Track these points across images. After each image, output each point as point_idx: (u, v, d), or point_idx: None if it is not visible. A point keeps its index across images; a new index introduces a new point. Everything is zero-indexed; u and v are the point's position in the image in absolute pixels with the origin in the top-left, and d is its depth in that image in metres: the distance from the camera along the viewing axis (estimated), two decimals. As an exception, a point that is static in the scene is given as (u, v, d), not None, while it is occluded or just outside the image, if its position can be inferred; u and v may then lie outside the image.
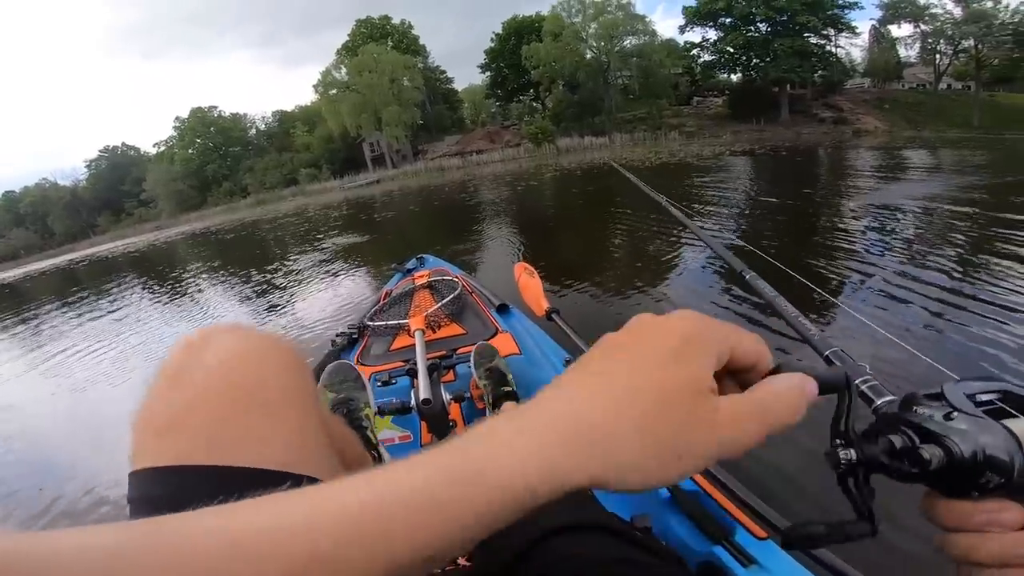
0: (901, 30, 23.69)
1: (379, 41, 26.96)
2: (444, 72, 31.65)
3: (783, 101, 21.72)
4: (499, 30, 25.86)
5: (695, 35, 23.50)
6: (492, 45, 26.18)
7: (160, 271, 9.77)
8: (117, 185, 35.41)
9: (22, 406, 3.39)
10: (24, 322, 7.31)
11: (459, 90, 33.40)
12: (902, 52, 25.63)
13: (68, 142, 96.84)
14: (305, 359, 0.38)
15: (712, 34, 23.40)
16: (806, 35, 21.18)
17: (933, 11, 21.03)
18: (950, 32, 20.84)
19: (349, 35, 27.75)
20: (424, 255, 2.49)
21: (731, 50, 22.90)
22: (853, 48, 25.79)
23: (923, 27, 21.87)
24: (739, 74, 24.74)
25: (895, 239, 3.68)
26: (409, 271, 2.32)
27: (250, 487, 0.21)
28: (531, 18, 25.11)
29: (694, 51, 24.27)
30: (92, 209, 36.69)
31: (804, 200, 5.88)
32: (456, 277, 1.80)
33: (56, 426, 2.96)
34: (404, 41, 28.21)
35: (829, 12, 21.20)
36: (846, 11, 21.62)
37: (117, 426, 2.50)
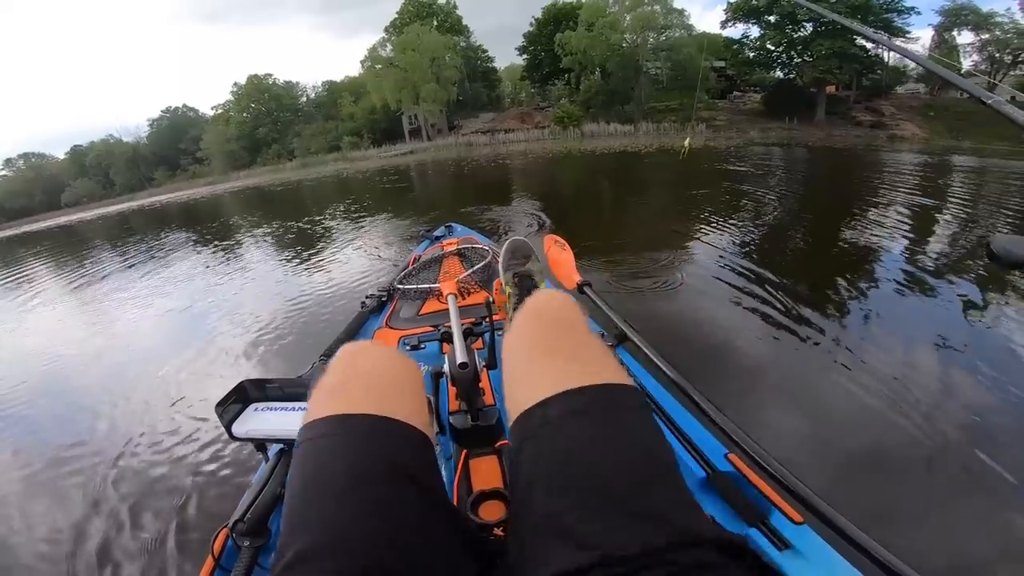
0: (962, 37, 22.62)
1: (424, 20, 27.93)
2: (486, 51, 32.52)
3: (820, 101, 21.44)
4: (539, 15, 26.42)
5: (737, 32, 23.19)
6: (531, 30, 26.77)
7: (206, 222, 10.35)
8: (175, 143, 37.97)
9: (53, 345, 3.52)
10: (73, 259, 8.24)
11: (499, 69, 34.20)
12: (965, 63, 24.41)
13: (134, 100, 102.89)
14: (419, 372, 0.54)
15: (755, 31, 23.19)
16: (853, 37, 20.71)
17: (998, 19, 20.10)
18: (1016, 42, 19.85)
19: (398, 12, 28.86)
20: (452, 224, 2.50)
21: (771, 48, 22.62)
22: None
23: (984, 35, 20.89)
24: (779, 72, 24.41)
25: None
26: (437, 238, 2.35)
27: (376, 428, 0.41)
28: (571, 5, 25.49)
29: (736, 47, 24.08)
30: (150, 164, 39.45)
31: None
32: (485, 247, 1.78)
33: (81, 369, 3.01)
34: (448, 21, 29.11)
35: (882, 16, 20.57)
36: (901, 16, 20.90)
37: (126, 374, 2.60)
